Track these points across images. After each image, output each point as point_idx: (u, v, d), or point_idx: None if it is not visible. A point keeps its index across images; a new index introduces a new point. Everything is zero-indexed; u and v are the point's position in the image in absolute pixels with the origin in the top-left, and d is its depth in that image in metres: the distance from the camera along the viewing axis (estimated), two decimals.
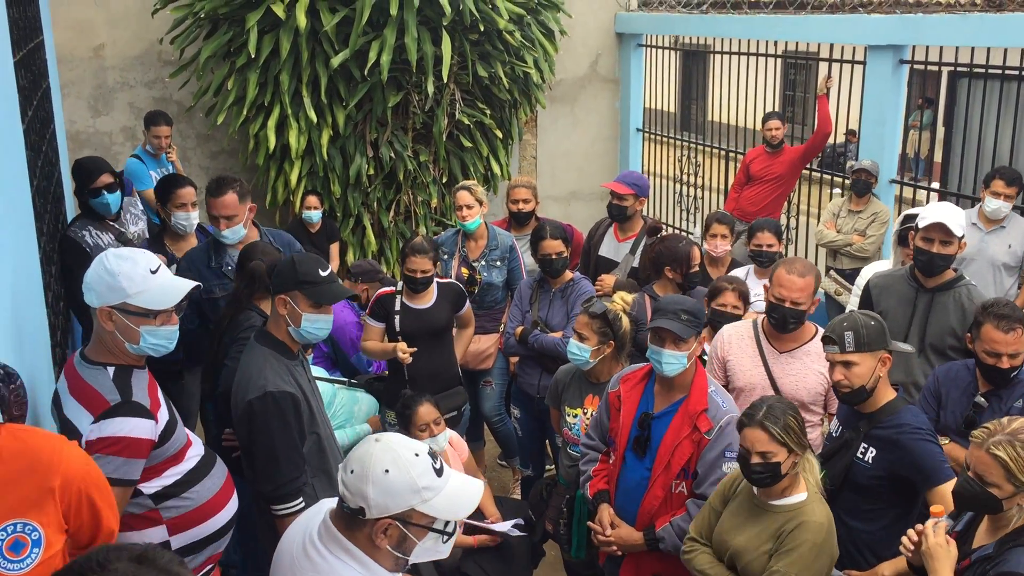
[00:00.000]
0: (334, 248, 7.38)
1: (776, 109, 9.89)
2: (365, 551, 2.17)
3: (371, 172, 7.79)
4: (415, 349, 4.61)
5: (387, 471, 2.11)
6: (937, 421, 3.71)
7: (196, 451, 2.98)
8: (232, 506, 3.04)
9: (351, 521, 2.17)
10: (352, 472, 2.14)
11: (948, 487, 3.08)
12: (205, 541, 2.94)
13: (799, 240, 8.02)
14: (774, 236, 5.16)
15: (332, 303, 3.25)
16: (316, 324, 3.23)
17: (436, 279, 4.81)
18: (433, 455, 2.21)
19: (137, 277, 2.75)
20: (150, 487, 2.80)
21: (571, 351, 3.91)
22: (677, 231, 8.96)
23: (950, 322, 4.06)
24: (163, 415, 2.84)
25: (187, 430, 3.05)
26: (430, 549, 2.22)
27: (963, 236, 4.08)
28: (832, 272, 6.75)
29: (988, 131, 6.16)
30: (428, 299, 4.77)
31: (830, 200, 7.96)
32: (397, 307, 4.75)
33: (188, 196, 4.75)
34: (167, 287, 2.83)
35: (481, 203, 5.48)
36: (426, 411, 3.94)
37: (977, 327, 3.57)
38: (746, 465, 2.99)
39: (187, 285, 2.88)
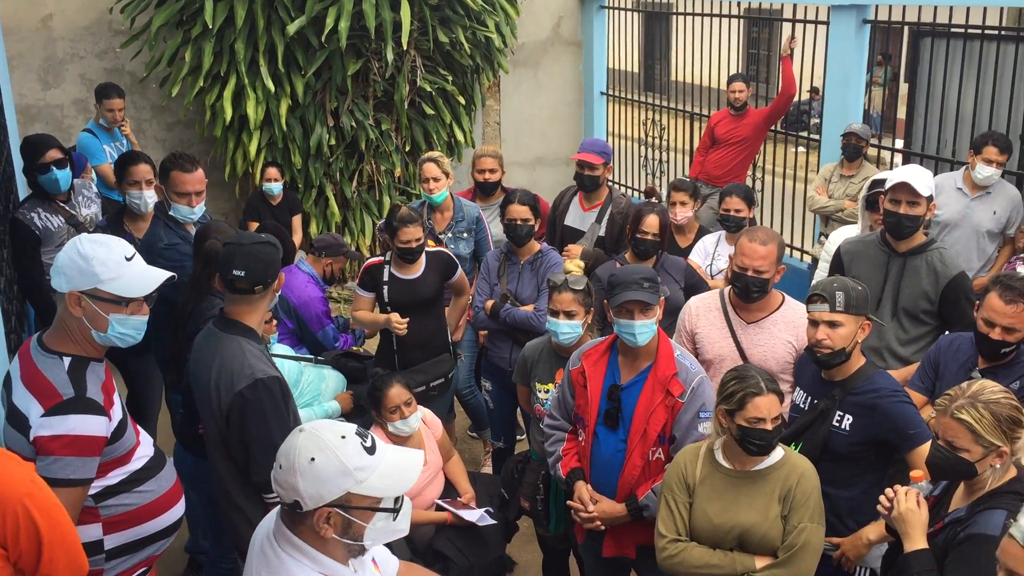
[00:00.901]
0: (296, 220, 7.26)
1: (739, 69, 9.85)
2: (313, 545, 2.13)
3: (332, 142, 7.67)
4: (408, 320, 4.61)
5: (312, 459, 2.05)
6: (932, 392, 3.70)
7: (145, 452, 2.91)
8: (177, 511, 2.98)
9: (293, 516, 2.12)
10: (280, 467, 2.09)
11: (928, 447, 3.10)
12: (143, 542, 2.87)
13: (764, 200, 8.02)
14: (743, 202, 5.13)
15: None
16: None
17: (425, 249, 4.80)
18: (362, 434, 2.15)
19: (111, 263, 2.69)
20: (93, 486, 2.72)
21: (563, 332, 3.83)
22: (639, 194, 8.93)
23: (922, 286, 4.06)
24: (116, 413, 2.77)
25: (140, 430, 2.98)
26: (383, 530, 2.16)
27: (931, 196, 4.06)
28: (823, 238, 6.73)
29: (951, 91, 6.16)
30: (416, 269, 4.75)
31: (795, 159, 7.96)
32: (385, 277, 4.72)
33: (142, 173, 4.61)
34: (141, 275, 2.77)
35: (448, 175, 5.42)
36: (397, 393, 3.89)
37: (984, 293, 3.54)
38: (760, 435, 2.94)
39: (162, 275, 2.82)
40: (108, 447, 2.71)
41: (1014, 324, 3.43)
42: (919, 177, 4.04)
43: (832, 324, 3.27)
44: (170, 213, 4.29)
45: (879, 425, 3.25)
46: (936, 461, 2.70)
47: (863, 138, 6.51)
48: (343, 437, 2.10)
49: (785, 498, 2.98)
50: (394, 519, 2.15)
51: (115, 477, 2.78)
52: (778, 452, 3.05)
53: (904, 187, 4.00)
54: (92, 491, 2.72)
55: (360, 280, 4.83)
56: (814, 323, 3.32)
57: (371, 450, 2.12)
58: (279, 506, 2.21)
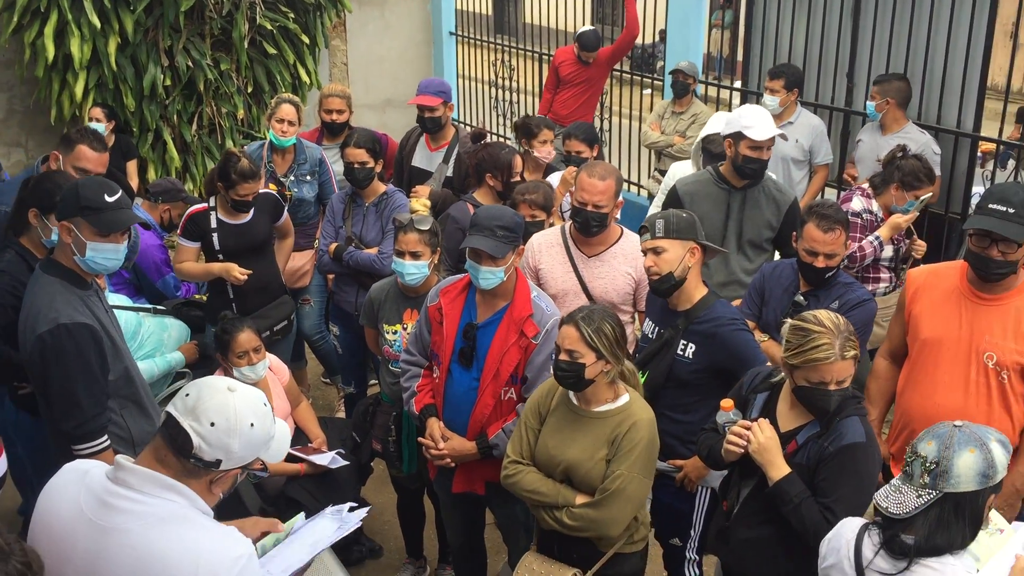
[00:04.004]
0: (131, 166, 6.91)
1: (588, 10, 9.91)
2: (195, 489, 2.10)
3: (167, 83, 7.29)
4: (251, 272, 4.49)
5: (252, 425, 2.09)
6: (759, 318, 3.88)
7: None
8: None
9: (194, 470, 2.09)
10: (214, 425, 2.06)
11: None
12: None
13: (612, 142, 8.15)
14: (584, 143, 5.10)
15: (117, 231, 3.04)
16: (103, 254, 3.02)
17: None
18: (266, 400, 2.21)
19: None
20: None
21: (409, 272, 3.79)
22: (496, 137, 8.93)
23: (764, 215, 4.24)
24: None
25: None
26: (237, 481, 2.25)
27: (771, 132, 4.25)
28: (656, 173, 6.91)
29: (784, 31, 6.39)
30: (246, 213, 4.60)
31: (641, 100, 8.12)
32: (213, 224, 4.54)
33: None
34: None
35: (300, 122, 5.31)
36: (247, 338, 3.82)
37: (801, 225, 3.72)
38: (555, 361, 3.02)
39: None
40: None
41: (834, 250, 3.64)
42: (761, 125, 4.21)
43: (656, 251, 3.35)
44: None
45: (718, 352, 3.37)
46: (836, 405, 2.75)
47: (690, 75, 6.76)
48: (265, 404, 2.17)
49: (612, 442, 2.99)
50: (256, 479, 2.23)
51: None
52: (624, 397, 3.06)
53: (747, 139, 4.19)
54: None
55: (183, 229, 4.60)
56: (644, 253, 3.42)
57: (274, 418, 2.21)
58: (87, 468, 2.15)
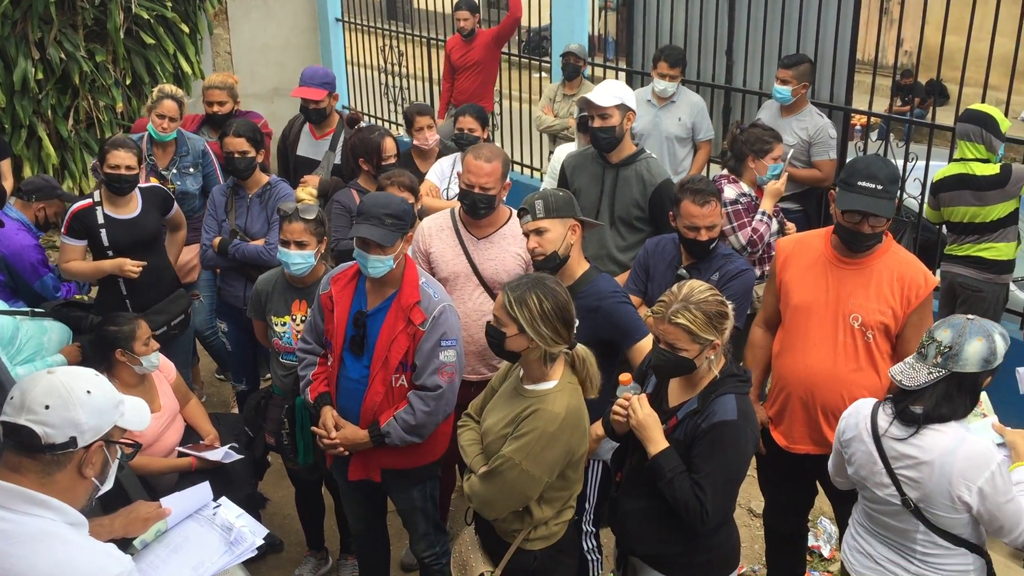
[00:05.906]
0: (4, 165, 6.58)
1: None
2: (60, 495, 2.03)
3: (40, 76, 7.00)
4: (145, 263, 4.41)
5: (89, 392, 2.07)
6: (645, 292, 3.96)
7: None
8: None
9: (54, 462, 2.03)
10: (48, 407, 2.01)
11: (645, 342, 3.33)
12: None
13: (504, 125, 8.18)
14: (476, 121, 5.14)
15: None
16: None
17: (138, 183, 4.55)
18: (96, 372, 2.19)
19: None
20: None
21: (295, 262, 3.76)
22: (383, 122, 8.86)
23: (633, 195, 4.31)
24: None
25: None
26: (114, 471, 2.20)
27: (625, 105, 4.23)
28: (551, 156, 6.95)
29: (664, 11, 6.51)
30: (133, 208, 4.50)
31: (531, 84, 8.17)
32: (100, 220, 4.40)
33: None
34: None
35: (181, 117, 5.19)
36: (142, 331, 3.78)
37: (677, 204, 3.81)
38: (487, 324, 2.96)
39: None
40: None
41: (713, 221, 3.75)
42: (601, 91, 4.26)
43: (539, 231, 3.40)
44: None
45: (602, 326, 3.42)
46: (660, 363, 2.88)
47: (581, 57, 6.82)
48: (96, 374, 2.14)
49: (514, 422, 2.90)
50: (128, 459, 2.17)
51: None
52: (551, 383, 2.91)
53: (588, 104, 4.23)
54: None
55: (68, 228, 4.44)
56: (526, 235, 3.46)
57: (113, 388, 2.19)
58: None
